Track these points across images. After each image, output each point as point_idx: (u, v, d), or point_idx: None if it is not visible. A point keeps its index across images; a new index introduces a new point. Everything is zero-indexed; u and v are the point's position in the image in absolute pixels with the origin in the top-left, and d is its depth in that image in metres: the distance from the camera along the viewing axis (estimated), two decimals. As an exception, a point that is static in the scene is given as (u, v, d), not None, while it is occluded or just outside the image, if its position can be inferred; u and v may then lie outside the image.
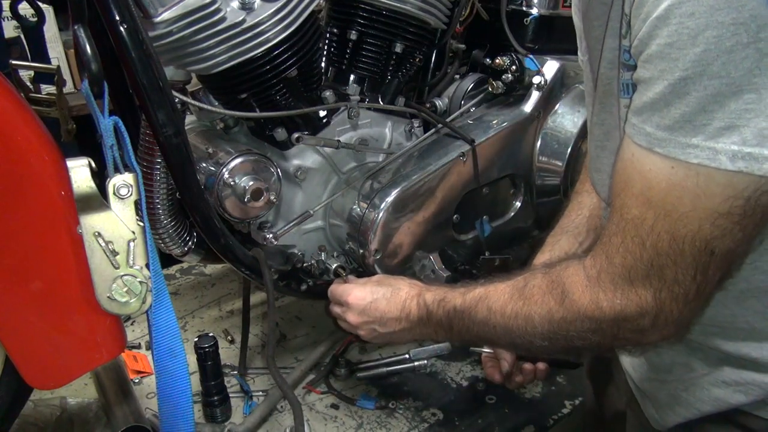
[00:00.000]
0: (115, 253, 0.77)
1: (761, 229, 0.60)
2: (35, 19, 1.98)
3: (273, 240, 1.13)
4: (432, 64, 1.33)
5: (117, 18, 0.82)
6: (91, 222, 0.76)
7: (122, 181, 0.77)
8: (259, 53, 0.99)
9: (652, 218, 0.61)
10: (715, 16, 0.52)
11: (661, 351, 0.80)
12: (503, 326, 0.79)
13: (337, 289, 1.07)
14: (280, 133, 1.13)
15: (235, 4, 0.95)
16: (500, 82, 1.29)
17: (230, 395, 1.24)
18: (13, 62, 1.45)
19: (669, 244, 0.61)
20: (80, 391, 1.28)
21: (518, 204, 1.39)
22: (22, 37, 2.01)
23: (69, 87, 2.03)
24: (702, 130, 0.55)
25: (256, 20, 0.95)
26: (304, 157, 1.17)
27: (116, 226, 0.77)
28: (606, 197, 0.84)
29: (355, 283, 1.06)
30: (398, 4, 1.12)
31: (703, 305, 0.66)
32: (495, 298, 0.81)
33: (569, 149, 1.30)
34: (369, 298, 1.00)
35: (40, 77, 1.49)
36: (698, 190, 0.57)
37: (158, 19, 0.89)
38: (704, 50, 0.53)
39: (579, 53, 0.87)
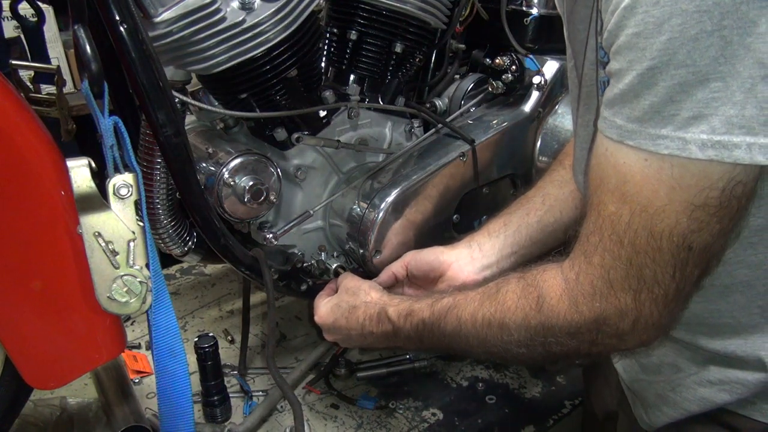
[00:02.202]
0: (115, 253, 0.78)
1: (738, 222, 0.60)
2: (35, 19, 1.99)
3: (273, 240, 1.13)
4: (432, 64, 1.33)
5: (117, 18, 0.81)
6: (91, 222, 0.76)
7: (122, 181, 0.77)
8: (259, 53, 0.99)
9: (629, 214, 0.60)
10: (679, 4, 0.52)
11: (650, 351, 0.80)
12: (476, 336, 0.77)
13: (314, 304, 1.06)
14: (280, 133, 1.13)
15: (235, 4, 0.95)
16: (500, 82, 1.29)
17: (230, 395, 1.24)
18: (13, 62, 1.45)
19: (647, 240, 0.60)
20: (80, 391, 1.28)
21: (518, 204, 1.39)
22: (22, 37, 2.01)
23: (69, 87, 2.02)
24: (671, 121, 0.55)
25: (256, 20, 0.95)
26: (304, 157, 1.17)
27: (116, 226, 0.77)
28: None
29: (322, 298, 1.04)
30: (398, 4, 1.12)
31: (681, 307, 0.65)
32: (464, 306, 0.79)
33: (569, 149, 1.30)
34: (331, 318, 0.99)
35: (40, 77, 1.49)
36: (673, 182, 0.57)
37: (158, 19, 0.89)
38: (669, 39, 0.53)
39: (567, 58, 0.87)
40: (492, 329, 0.75)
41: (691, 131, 0.54)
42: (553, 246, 1.01)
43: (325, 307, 1.01)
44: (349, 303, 0.97)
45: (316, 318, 1.02)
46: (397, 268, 1.07)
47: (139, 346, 1.44)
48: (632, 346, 0.68)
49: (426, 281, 1.04)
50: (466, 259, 1.02)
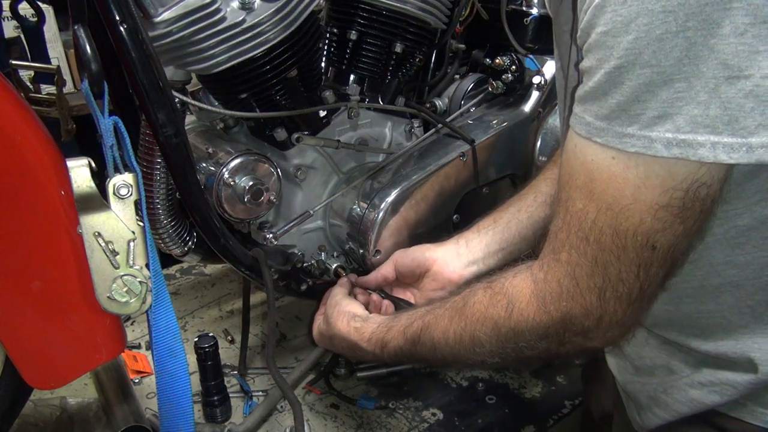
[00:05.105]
0: (115, 253, 0.78)
1: (702, 224, 0.60)
2: (35, 19, 1.98)
3: (273, 240, 1.13)
4: (432, 64, 1.34)
5: (117, 18, 0.81)
6: (91, 222, 0.76)
7: (122, 181, 0.77)
8: (259, 53, 0.99)
9: (595, 211, 0.60)
10: (645, 4, 0.52)
11: (643, 353, 0.80)
12: (451, 353, 0.77)
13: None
14: (280, 133, 1.13)
15: (235, 4, 0.95)
16: (500, 82, 1.29)
17: (230, 395, 1.24)
18: (13, 62, 1.45)
19: (612, 239, 0.60)
20: (80, 391, 1.28)
21: (518, 204, 1.39)
22: (22, 37, 2.01)
23: (69, 87, 2.02)
24: (637, 119, 0.55)
25: (256, 20, 0.95)
26: (304, 157, 1.17)
27: (116, 226, 0.77)
28: None
29: (316, 320, 1.05)
30: (398, 4, 1.12)
31: (645, 306, 0.65)
32: (435, 326, 0.79)
33: (569, 149, 1.30)
34: (322, 342, 1.02)
35: (40, 77, 1.49)
36: (638, 182, 0.57)
37: (158, 19, 0.89)
38: (636, 38, 0.53)
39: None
40: (464, 344, 0.75)
41: (657, 130, 0.55)
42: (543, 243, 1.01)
43: (315, 331, 1.03)
44: (327, 332, 0.99)
45: (314, 338, 1.04)
46: (386, 268, 1.07)
47: (139, 346, 1.44)
48: (598, 344, 0.68)
49: (412, 278, 1.04)
50: (452, 255, 1.01)
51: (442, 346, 0.78)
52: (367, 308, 0.98)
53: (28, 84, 1.44)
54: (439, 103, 1.34)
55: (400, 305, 1.00)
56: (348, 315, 0.96)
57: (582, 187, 0.61)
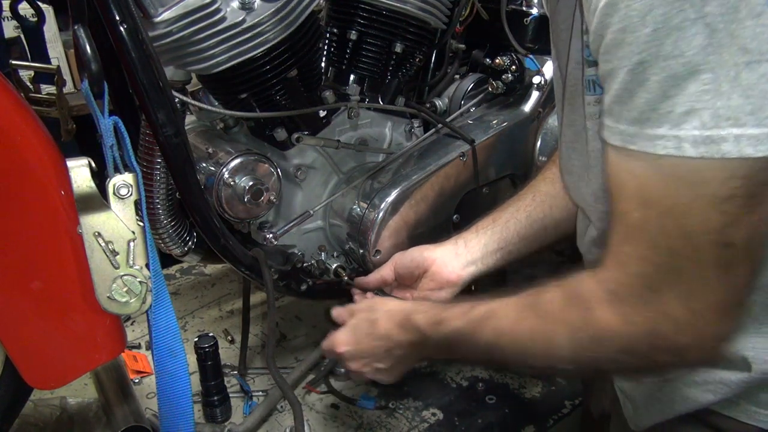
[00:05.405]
0: (115, 253, 0.78)
1: None
2: (35, 19, 1.98)
3: (273, 240, 1.13)
4: (432, 64, 1.33)
5: (117, 18, 0.81)
6: (91, 222, 0.76)
7: (122, 181, 0.77)
8: (259, 53, 0.99)
9: (656, 218, 0.57)
10: None
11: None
12: (515, 349, 0.71)
13: (326, 346, 0.96)
14: (280, 133, 1.13)
15: (235, 4, 0.95)
16: (500, 82, 1.29)
17: (230, 395, 1.24)
18: (13, 62, 1.45)
19: (682, 242, 0.56)
20: (80, 391, 1.28)
21: (518, 204, 1.39)
22: (22, 37, 2.01)
23: (69, 87, 2.02)
24: (667, 118, 0.53)
25: (256, 20, 0.95)
26: (304, 157, 1.17)
27: (116, 226, 0.77)
28: (579, 200, 0.82)
29: (336, 332, 0.95)
30: (398, 4, 1.12)
31: (739, 313, 0.60)
32: (502, 316, 0.72)
33: (569, 149, 1.30)
34: (353, 341, 0.91)
35: (40, 77, 1.49)
36: (690, 178, 0.54)
37: (158, 19, 0.89)
38: (654, 29, 0.52)
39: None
40: (536, 343, 0.69)
41: (684, 128, 0.53)
42: (542, 243, 1.00)
43: (342, 335, 0.93)
44: (368, 318, 0.91)
45: (338, 349, 0.92)
46: (386, 270, 1.06)
47: (139, 346, 1.44)
48: (695, 360, 0.64)
49: (411, 278, 1.03)
50: (451, 255, 1.01)
51: (507, 339, 0.71)
52: None
53: (28, 84, 1.44)
54: (439, 103, 1.34)
55: None
56: (394, 298, 0.93)
57: (634, 197, 0.58)
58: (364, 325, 0.90)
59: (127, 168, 0.78)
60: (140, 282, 0.79)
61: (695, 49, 0.51)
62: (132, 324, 1.51)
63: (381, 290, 1.06)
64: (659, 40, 0.52)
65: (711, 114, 0.51)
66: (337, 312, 0.97)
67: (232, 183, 1.05)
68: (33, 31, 2.01)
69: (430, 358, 0.88)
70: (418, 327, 0.82)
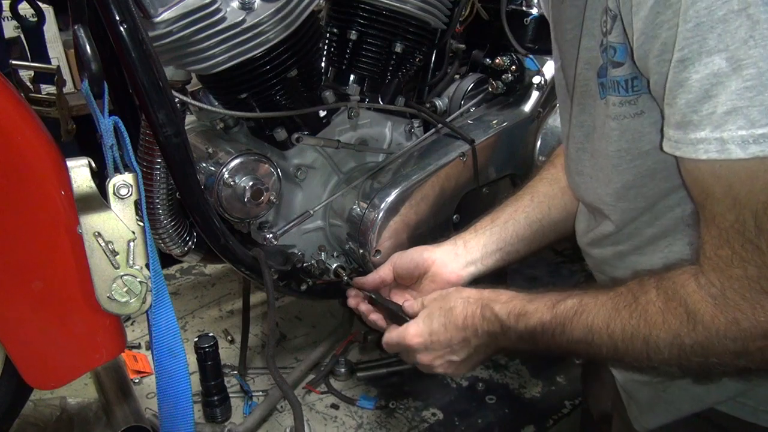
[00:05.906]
0: (115, 253, 0.78)
1: None
2: (35, 19, 1.98)
3: (273, 240, 1.13)
4: (432, 64, 1.33)
5: (117, 18, 0.81)
6: (91, 222, 0.76)
7: (122, 181, 0.77)
8: (259, 53, 0.99)
9: (752, 217, 0.55)
10: None
11: None
12: (611, 347, 0.69)
13: (391, 338, 0.92)
14: (280, 133, 1.13)
15: (235, 4, 0.95)
16: (500, 82, 1.29)
17: (230, 395, 1.24)
18: (13, 62, 1.46)
19: None
20: (80, 391, 1.28)
21: (518, 204, 1.39)
22: (22, 37, 2.01)
23: (69, 87, 2.02)
24: (709, 120, 0.52)
25: (256, 20, 0.95)
26: (304, 157, 1.17)
27: (116, 226, 0.77)
28: (593, 200, 0.81)
29: (406, 324, 0.91)
30: (398, 4, 1.12)
31: None
32: (595, 312, 0.70)
33: (569, 149, 1.30)
34: (426, 332, 0.87)
35: (40, 77, 1.49)
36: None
37: (158, 19, 0.89)
38: (696, 24, 0.51)
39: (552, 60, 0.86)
40: (635, 344, 0.67)
41: (727, 129, 0.52)
42: (541, 243, 1.00)
43: (414, 327, 0.88)
44: (442, 307, 0.87)
45: (409, 340, 0.88)
46: (384, 270, 1.05)
47: (139, 346, 1.44)
48: None
49: (410, 279, 1.03)
50: (450, 255, 1.01)
51: (603, 338, 0.69)
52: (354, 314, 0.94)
53: (28, 84, 1.44)
54: (439, 103, 1.34)
55: (393, 313, 0.96)
56: (468, 286, 0.92)
57: (723, 199, 0.56)
58: (438, 314, 0.87)
59: (127, 168, 0.78)
60: (140, 282, 0.79)
61: (738, 42, 0.50)
62: (132, 324, 1.51)
63: (378, 293, 1.06)
64: (702, 35, 0.51)
65: (759, 111, 0.50)
66: (409, 304, 0.95)
67: (232, 183, 1.05)
68: (33, 31, 2.01)
69: (505, 349, 0.85)
70: (499, 317, 0.80)
